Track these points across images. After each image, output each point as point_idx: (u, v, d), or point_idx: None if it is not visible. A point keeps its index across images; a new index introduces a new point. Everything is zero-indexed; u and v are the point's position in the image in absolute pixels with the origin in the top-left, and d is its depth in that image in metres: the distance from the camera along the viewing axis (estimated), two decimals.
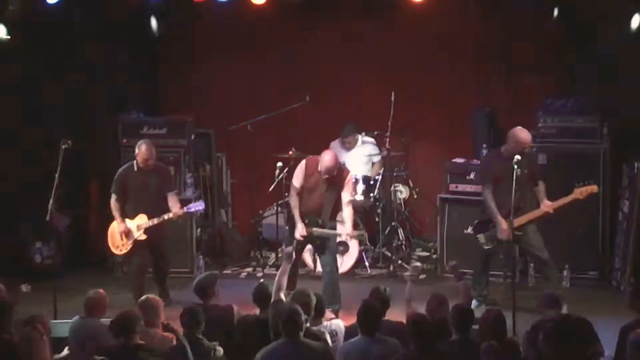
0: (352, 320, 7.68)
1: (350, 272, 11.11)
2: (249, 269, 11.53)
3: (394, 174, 11.57)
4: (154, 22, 11.82)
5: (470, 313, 6.98)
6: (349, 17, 11.94)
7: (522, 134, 9.40)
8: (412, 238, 11.95)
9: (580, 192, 9.26)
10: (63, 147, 9.20)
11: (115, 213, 9.75)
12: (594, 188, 9.29)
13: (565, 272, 10.26)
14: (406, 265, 11.04)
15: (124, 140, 11.28)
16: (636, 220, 10.33)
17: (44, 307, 8.52)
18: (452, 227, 11.07)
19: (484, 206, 9.57)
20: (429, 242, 11.97)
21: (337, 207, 9.63)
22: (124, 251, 9.82)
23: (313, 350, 6.70)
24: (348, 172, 9.65)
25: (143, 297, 7.80)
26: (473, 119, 11.71)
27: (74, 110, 11.60)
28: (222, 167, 12.37)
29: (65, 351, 7.74)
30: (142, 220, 9.67)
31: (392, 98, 11.03)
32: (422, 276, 11.21)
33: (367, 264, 11.35)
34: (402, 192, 11.69)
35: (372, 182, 11.39)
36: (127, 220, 9.75)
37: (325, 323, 7.63)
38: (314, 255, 10.92)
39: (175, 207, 9.65)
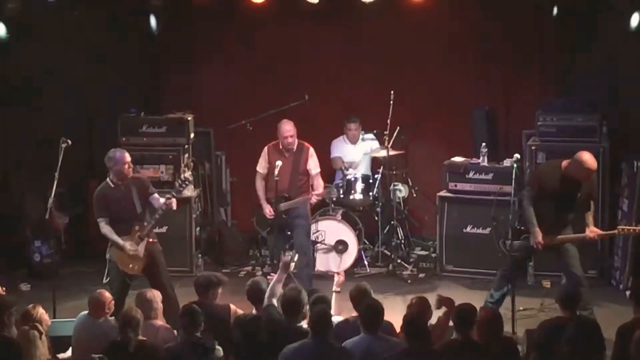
0: None
1: (350, 271, 11.11)
2: (248, 268, 11.53)
3: (393, 173, 11.57)
4: (153, 21, 11.81)
5: (471, 313, 6.99)
6: (349, 16, 11.91)
7: (590, 162, 8.83)
8: (411, 237, 11.94)
9: (622, 230, 9.11)
10: (63, 146, 9.18)
11: (112, 236, 8.93)
12: (637, 230, 9.08)
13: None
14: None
15: (124, 139, 11.27)
16: (635, 219, 10.33)
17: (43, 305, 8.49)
18: (452, 226, 11.06)
19: (522, 212, 9.14)
20: (428, 241, 11.96)
21: (307, 184, 10.38)
22: (139, 268, 8.99)
23: (339, 352, 6.74)
24: (309, 146, 10.39)
25: (139, 292, 7.84)
26: (472, 117, 11.71)
27: (73, 109, 11.59)
28: (221, 166, 12.37)
29: (70, 351, 7.76)
30: (137, 231, 8.98)
31: (392, 97, 11.02)
32: (421, 275, 11.24)
33: (366, 262, 11.36)
34: (401, 190, 11.67)
35: (371, 181, 11.39)
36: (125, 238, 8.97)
37: None
38: (313, 254, 10.95)
39: (160, 202, 9.06)
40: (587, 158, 8.86)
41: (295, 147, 10.36)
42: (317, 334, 6.73)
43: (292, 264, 8.24)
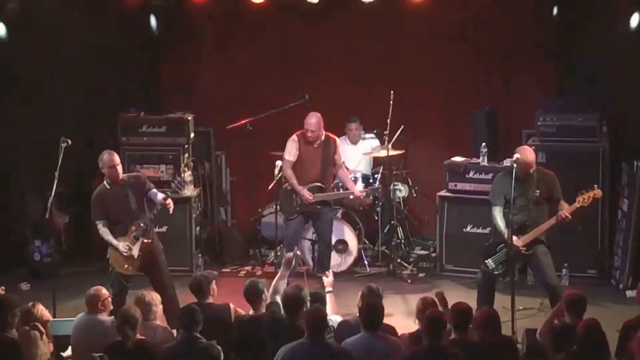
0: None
1: (350, 271, 11.12)
2: (248, 268, 11.53)
3: (394, 173, 11.57)
4: (153, 21, 11.83)
5: (468, 313, 7.00)
6: (349, 16, 11.93)
7: (525, 155, 8.93)
8: (411, 236, 11.95)
9: (583, 199, 8.90)
10: (63, 145, 9.18)
11: (108, 237, 8.96)
12: (597, 193, 8.98)
13: (564, 271, 10.24)
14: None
15: (124, 139, 11.29)
16: (635, 219, 10.34)
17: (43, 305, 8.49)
18: (451, 226, 11.07)
19: (493, 227, 9.18)
20: (428, 241, 11.97)
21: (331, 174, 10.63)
22: (134, 268, 9.02)
23: (336, 352, 6.74)
24: (335, 138, 10.60)
25: (139, 293, 7.85)
26: (473, 117, 11.71)
27: (73, 108, 11.60)
28: (221, 166, 12.38)
29: (69, 350, 7.77)
30: (132, 232, 8.98)
31: (392, 96, 11.02)
32: (421, 274, 11.24)
33: (366, 262, 11.35)
34: (402, 190, 11.67)
35: (371, 180, 11.39)
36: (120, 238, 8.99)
37: None
38: (313, 253, 10.96)
39: (158, 198, 9.04)
40: (523, 151, 8.94)
41: (323, 138, 10.45)
42: (312, 333, 6.72)
43: (294, 261, 8.27)
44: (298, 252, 8.55)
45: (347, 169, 11.47)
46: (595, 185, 9.12)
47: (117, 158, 9.06)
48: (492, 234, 9.39)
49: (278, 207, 10.71)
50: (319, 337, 6.71)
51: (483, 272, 9.14)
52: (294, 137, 10.49)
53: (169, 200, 9.03)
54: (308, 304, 7.33)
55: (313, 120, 10.40)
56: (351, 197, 10.79)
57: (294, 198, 10.49)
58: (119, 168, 9.05)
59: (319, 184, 10.44)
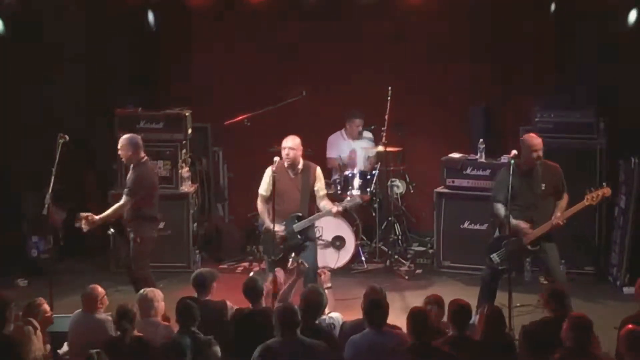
0: (350, 314, 7.71)
1: (347, 267, 11.12)
2: (246, 264, 11.54)
3: (391, 169, 11.57)
4: (151, 16, 11.81)
5: (467, 310, 7.01)
6: (348, 13, 11.92)
7: (532, 139, 8.96)
8: (409, 233, 11.96)
9: (592, 198, 8.84)
10: (60, 141, 9.18)
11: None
12: (605, 191, 8.90)
13: (561, 267, 10.23)
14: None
15: (121, 135, 11.26)
16: (633, 216, 10.35)
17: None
18: (449, 222, 11.07)
19: (498, 222, 9.15)
20: (426, 237, 11.96)
21: (314, 205, 9.64)
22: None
23: (308, 346, 6.73)
24: (316, 166, 9.63)
25: (140, 292, 7.87)
26: (470, 113, 11.72)
27: (71, 104, 11.59)
28: (218, 162, 12.38)
29: (65, 347, 7.77)
30: None
31: (389, 93, 11.02)
32: (419, 271, 11.24)
33: (363, 258, 11.36)
34: (399, 186, 11.68)
35: (368, 177, 11.38)
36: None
37: (322, 316, 7.64)
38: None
39: None
40: (528, 137, 9.01)
41: (301, 166, 9.48)
42: (283, 331, 6.73)
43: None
44: (306, 265, 8.59)
45: (343, 164, 11.48)
46: (604, 184, 9.07)
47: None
48: (493, 228, 9.37)
49: (261, 251, 10.03)
50: (291, 334, 6.71)
51: (489, 268, 9.13)
52: (269, 169, 9.42)
53: None
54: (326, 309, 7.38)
55: (289, 139, 9.45)
56: (334, 210, 9.48)
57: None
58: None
59: (298, 214, 9.36)
